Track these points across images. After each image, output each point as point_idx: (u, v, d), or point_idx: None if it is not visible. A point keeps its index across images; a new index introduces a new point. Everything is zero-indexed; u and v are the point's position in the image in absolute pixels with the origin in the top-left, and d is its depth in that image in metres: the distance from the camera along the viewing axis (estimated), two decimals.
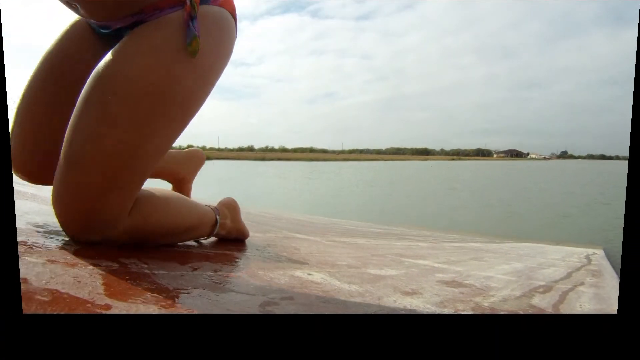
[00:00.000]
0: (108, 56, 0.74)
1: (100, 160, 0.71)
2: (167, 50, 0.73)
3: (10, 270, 0.46)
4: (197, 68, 0.76)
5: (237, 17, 0.89)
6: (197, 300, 0.63)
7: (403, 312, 0.74)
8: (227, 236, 1.06)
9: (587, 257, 2.39)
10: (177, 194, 0.94)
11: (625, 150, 0.45)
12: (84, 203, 0.72)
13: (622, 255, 0.47)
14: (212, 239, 1.06)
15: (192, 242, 1.02)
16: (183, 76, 0.74)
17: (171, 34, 0.74)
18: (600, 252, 2.93)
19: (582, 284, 1.39)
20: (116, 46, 0.75)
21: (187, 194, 1.21)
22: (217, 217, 1.01)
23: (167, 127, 0.76)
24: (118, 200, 0.74)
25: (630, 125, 0.43)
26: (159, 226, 0.85)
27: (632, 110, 0.44)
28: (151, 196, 0.84)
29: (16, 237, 0.45)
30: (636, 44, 0.41)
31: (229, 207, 1.08)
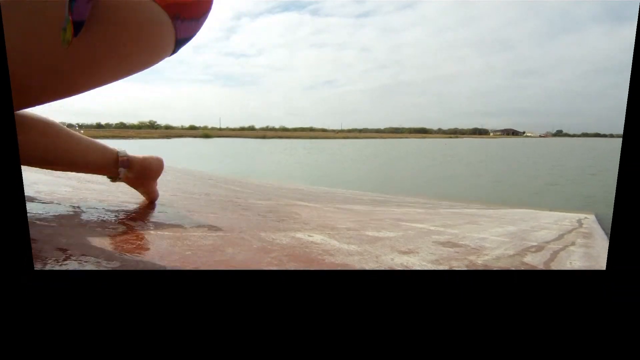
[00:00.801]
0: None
1: None
2: (42, 33, 0.61)
3: (21, 229, 0.46)
4: (77, 58, 0.65)
5: (193, 15, 0.76)
6: (201, 258, 0.64)
7: (400, 269, 0.75)
8: (132, 184, 0.99)
9: (579, 221, 2.41)
10: (71, 132, 0.86)
11: (619, 129, 0.46)
12: None
13: (613, 214, 0.48)
14: (213, 202, 1.06)
15: (196, 207, 1.02)
16: (59, 63, 0.64)
17: (49, 14, 0.61)
18: (591, 217, 2.95)
19: (573, 244, 1.40)
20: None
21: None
22: (120, 157, 0.92)
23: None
24: None
25: (625, 107, 0.43)
26: (33, 148, 0.78)
27: (629, 91, 0.44)
28: (37, 122, 0.79)
29: (24, 198, 0.45)
30: (635, 37, 0.42)
31: (145, 165, 0.98)
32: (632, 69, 0.44)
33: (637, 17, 0.41)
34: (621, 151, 0.46)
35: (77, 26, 0.59)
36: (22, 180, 0.47)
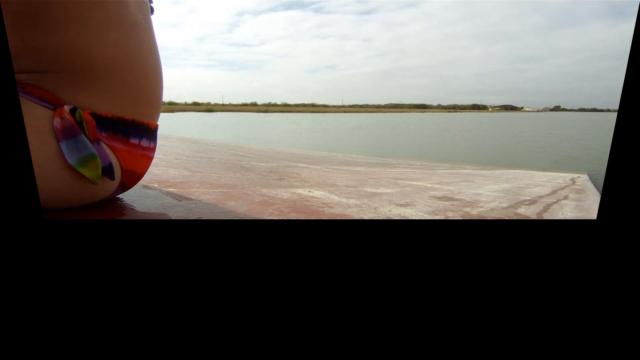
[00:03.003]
0: None
1: None
2: None
3: (27, 178, 0.46)
4: None
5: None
6: (205, 209, 0.64)
7: (397, 219, 0.76)
8: None
9: (572, 179, 2.41)
10: None
11: (615, 104, 0.45)
12: None
13: (607, 168, 0.48)
14: (211, 169, 1.05)
15: (199, 168, 1.02)
16: None
17: None
18: (584, 176, 2.95)
19: (565, 198, 1.41)
20: None
21: None
22: None
23: None
24: None
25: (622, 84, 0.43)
26: None
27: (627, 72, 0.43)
28: None
29: (28, 147, 0.44)
30: (634, 30, 0.41)
31: None
32: (631, 44, 0.43)
33: (636, 10, 0.40)
34: (619, 109, 0.46)
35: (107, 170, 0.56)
36: (24, 130, 0.46)
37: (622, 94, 0.45)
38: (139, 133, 0.60)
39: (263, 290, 0.50)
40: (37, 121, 0.51)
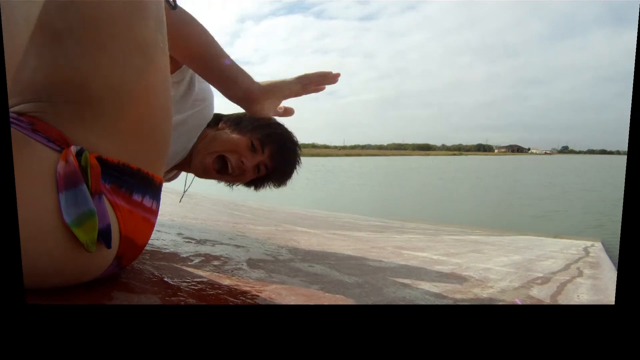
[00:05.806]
0: None
1: None
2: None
3: (11, 258, 0.45)
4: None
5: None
6: (197, 291, 0.63)
7: (402, 303, 0.74)
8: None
9: (585, 249, 2.39)
10: None
11: (625, 146, 0.46)
12: None
13: (620, 246, 0.47)
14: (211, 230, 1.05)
15: (193, 234, 1.02)
16: None
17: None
18: (598, 245, 2.93)
19: (580, 275, 1.39)
20: None
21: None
22: None
23: None
24: None
25: (629, 122, 0.44)
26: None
27: (632, 106, 0.44)
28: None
29: (17, 229, 0.45)
30: (636, 43, 0.42)
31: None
32: (634, 76, 0.44)
33: (637, 21, 0.41)
34: (626, 169, 0.46)
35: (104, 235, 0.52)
36: (15, 204, 0.47)
37: (627, 164, 0.45)
38: (142, 187, 0.57)
39: None
40: (41, 166, 0.49)
